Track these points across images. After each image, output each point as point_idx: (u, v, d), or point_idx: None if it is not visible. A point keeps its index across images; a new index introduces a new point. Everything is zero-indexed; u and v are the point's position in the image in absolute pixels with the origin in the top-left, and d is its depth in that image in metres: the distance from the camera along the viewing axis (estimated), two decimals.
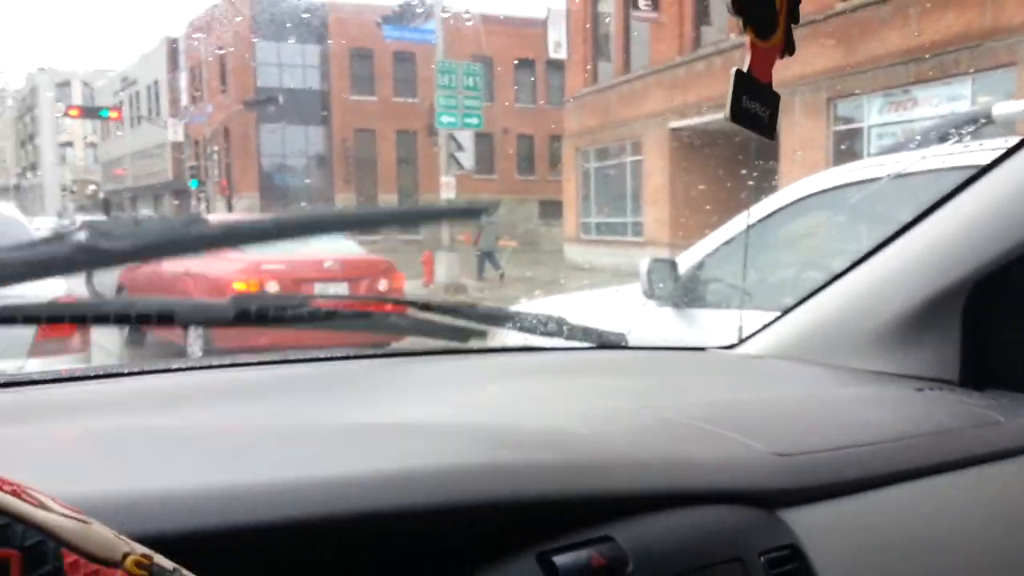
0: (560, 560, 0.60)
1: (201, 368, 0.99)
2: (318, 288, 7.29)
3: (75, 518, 0.35)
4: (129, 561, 0.35)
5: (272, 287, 7.06)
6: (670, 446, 0.80)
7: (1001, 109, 2.83)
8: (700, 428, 0.86)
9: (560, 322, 1.32)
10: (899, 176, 2.61)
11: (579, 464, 0.70)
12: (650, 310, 3.10)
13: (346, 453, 0.66)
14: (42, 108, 49.90)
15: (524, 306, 3.58)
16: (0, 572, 0.32)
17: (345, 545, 0.54)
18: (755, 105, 0.96)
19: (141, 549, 0.36)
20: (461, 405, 0.95)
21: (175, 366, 0.97)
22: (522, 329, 1.27)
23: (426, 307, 1.20)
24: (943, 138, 2.74)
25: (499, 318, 1.39)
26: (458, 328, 1.20)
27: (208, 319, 0.98)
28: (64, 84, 48.43)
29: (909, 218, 1.26)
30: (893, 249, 1.27)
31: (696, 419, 0.88)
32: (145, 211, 36.13)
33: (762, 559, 0.70)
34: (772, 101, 0.99)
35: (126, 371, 0.91)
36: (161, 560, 0.36)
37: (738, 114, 0.93)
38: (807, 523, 0.76)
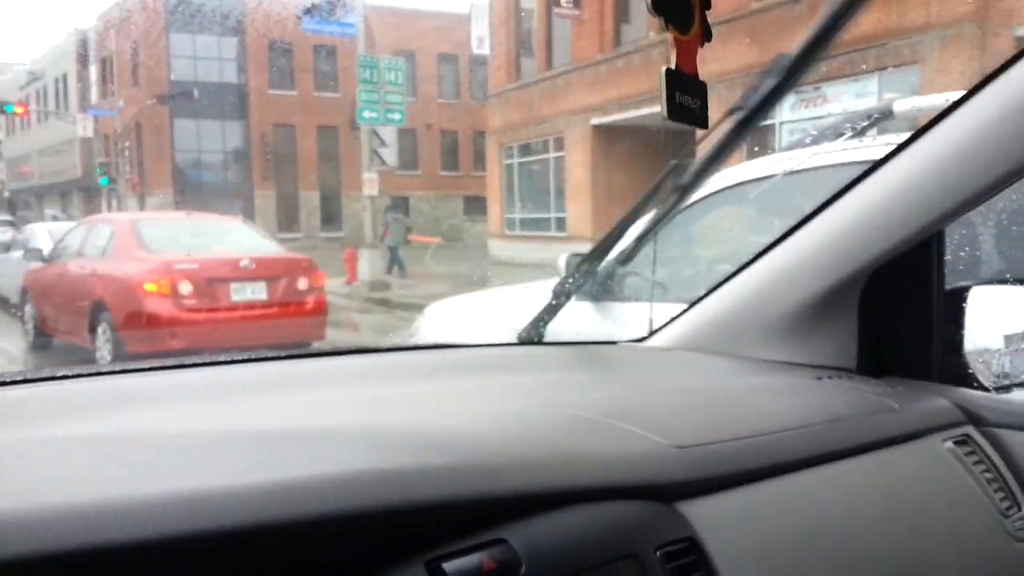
0: (450, 566, 0.58)
1: (105, 374, 0.94)
2: (234, 288, 7.09)
3: None
4: None
5: (185, 287, 6.83)
6: (570, 442, 0.79)
7: (902, 105, 2.93)
8: (603, 423, 0.85)
9: None
10: (801, 171, 2.68)
11: (471, 466, 0.68)
12: (569, 304, 3.11)
13: (226, 464, 0.63)
14: None
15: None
16: None
17: (224, 560, 0.51)
18: (687, 99, 0.98)
19: None
20: (365, 406, 0.93)
21: (76, 372, 0.92)
22: None
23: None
24: (845, 133, 2.82)
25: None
26: None
27: None
28: None
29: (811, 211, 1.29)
30: (793, 241, 1.29)
31: (601, 414, 0.87)
32: (51, 210, 34.66)
33: (658, 553, 0.69)
34: (701, 92, 1.01)
35: (34, 377, 0.87)
36: None
37: (674, 111, 0.95)
38: (705, 514, 0.76)
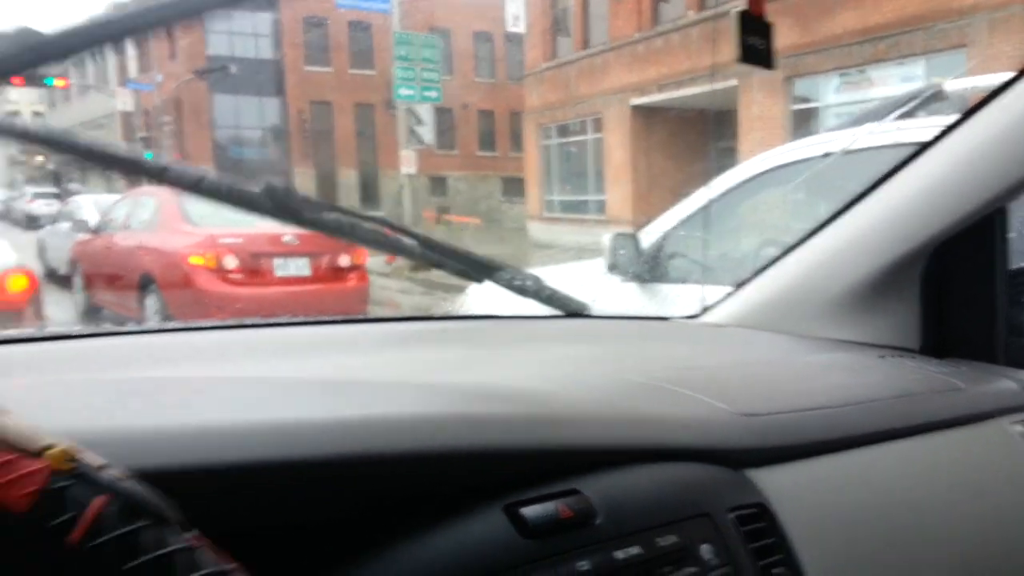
0: (527, 512, 0.60)
1: (189, 330, 0.96)
2: (277, 263, 7.18)
3: None
4: (54, 452, 0.34)
5: (230, 261, 6.94)
6: (635, 404, 0.80)
7: (953, 85, 2.89)
8: (665, 389, 0.86)
9: (536, 280, 1.31)
10: (854, 151, 2.65)
11: (545, 417, 0.70)
12: (613, 284, 3.12)
13: (321, 400, 0.66)
14: None
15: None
16: None
17: (306, 489, 0.53)
18: (756, 40, 0.99)
19: (67, 443, 0.35)
20: (429, 364, 0.95)
21: (160, 327, 0.97)
22: (502, 281, 1.24)
23: (428, 242, 1.16)
24: (893, 114, 2.79)
25: (487, 267, 1.36)
26: (455, 266, 1.18)
27: (239, 200, 0.95)
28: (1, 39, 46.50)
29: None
30: (851, 217, 1.28)
31: (661, 381, 0.88)
32: (95, 182, 35.17)
33: (731, 515, 0.70)
34: (769, 33, 1.02)
35: (129, 331, 0.91)
36: (90, 456, 0.35)
37: (745, 53, 0.96)
38: (774, 483, 0.76)
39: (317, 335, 1.06)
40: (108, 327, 0.91)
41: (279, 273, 7.16)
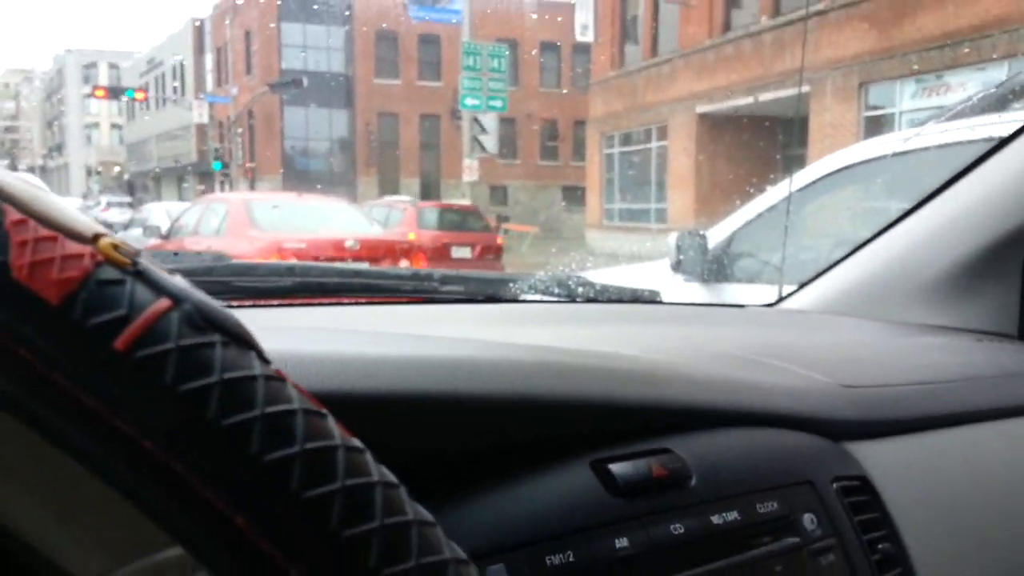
0: (617, 469, 0.55)
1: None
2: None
3: (30, 184, 0.27)
4: (108, 241, 0.26)
5: None
6: (732, 371, 0.75)
7: None
8: (761, 361, 0.81)
9: (595, 284, 1.29)
10: (942, 147, 2.52)
11: (638, 373, 0.65)
12: (677, 284, 3.04)
13: (399, 343, 0.62)
14: (68, 89, 50.37)
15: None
16: None
17: (395, 426, 0.50)
18: None
19: (118, 238, 0.27)
20: (515, 336, 0.91)
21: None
22: (559, 294, 1.24)
23: (463, 279, 1.17)
24: (986, 108, 2.64)
25: (535, 286, 1.35)
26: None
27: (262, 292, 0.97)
28: (91, 65, 48.81)
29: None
30: (944, 200, 1.21)
31: (754, 353, 0.83)
32: (167, 192, 36.43)
33: (835, 486, 0.65)
34: None
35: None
36: (146, 258, 0.28)
37: None
38: (874, 458, 0.72)
39: (394, 312, 1.04)
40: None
41: None
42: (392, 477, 0.29)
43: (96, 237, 0.26)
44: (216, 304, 0.28)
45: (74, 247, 0.25)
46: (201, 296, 0.27)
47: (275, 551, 0.25)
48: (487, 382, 0.53)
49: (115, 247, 0.26)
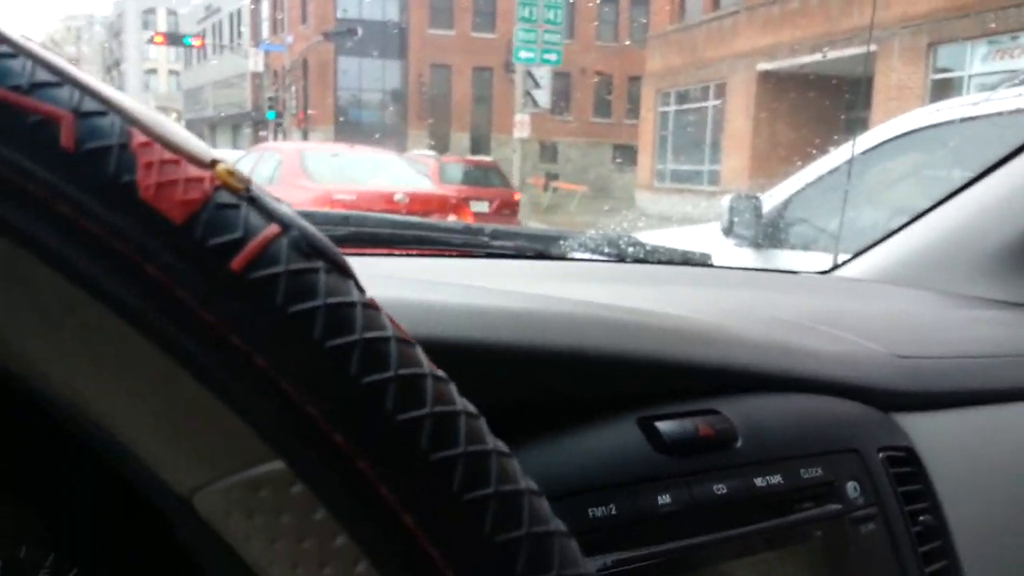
0: (663, 426, 0.56)
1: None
2: None
3: (153, 111, 0.28)
4: (225, 167, 0.28)
5: None
6: (783, 336, 0.75)
7: None
8: (811, 327, 0.80)
9: (645, 244, 1.28)
10: (1012, 113, 2.42)
11: (689, 332, 0.65)
12: (728, 248, 3.00)
13: (450, 292, 0.63)
14: (128, 34, 51.05)
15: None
16: (48, 138, 0.25)
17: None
18: None
19: (232, 165, 0.29)
20: (564, 292, 0.92)
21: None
22: (608, 253, 1.23)
23: (513, 235, 1.17)
24: None
25: (585, 244, 1.34)
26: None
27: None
28: (150, 11, 49.32)
29: None
30: (1010, 169, 1.18)
31: (805, 319, 0.82)
32: (222, 139, 36.89)
33: (881, 455, 0.65)
34: None
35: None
36: (256, 186, 0.29)
37: None
38: (923, 430, 0.71)
39: (437, 264, 1.05)
40: None
41: None
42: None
43: (213, 163, 0.28)
44: (319, 232, 0.29)
45: (195, 171, 0.27)
46: (306, 224, 0.29)
47: (370, 468, 0.27)
48: (538, 334, 0.54)
49: (230, 173, 0.28)
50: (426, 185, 8.79)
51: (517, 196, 13.11)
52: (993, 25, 11.21)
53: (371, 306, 0.29)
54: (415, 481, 0.27)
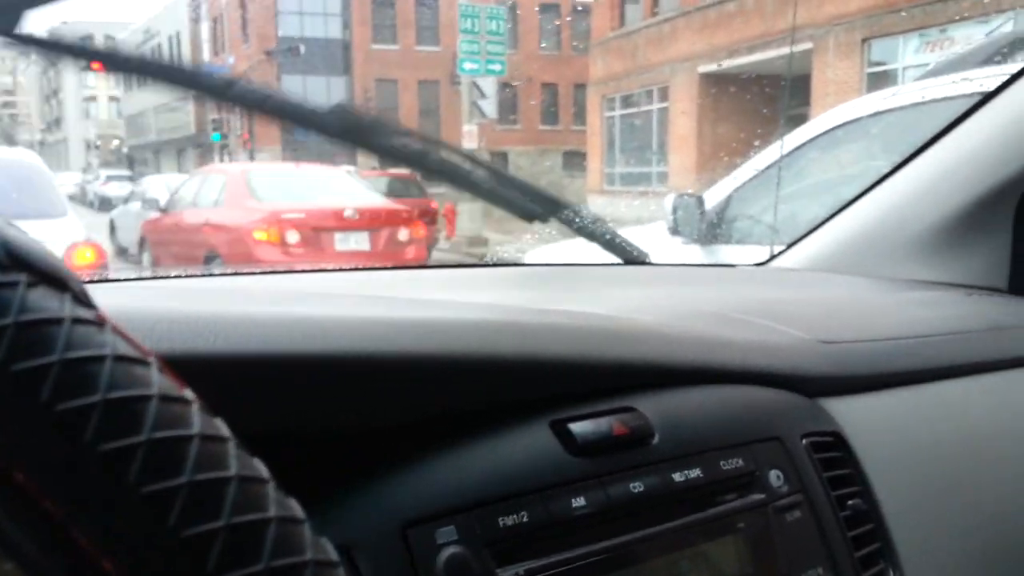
0: (576, 428, 0.54)
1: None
2: (338, 237, 7.29)
3: None
4: None
5: (292, 236, 7.05)
6: (705, 327, 0.74)
7: None
8: (739, 318, 0.80)
9: (601, 222, 1.26)
10: (940, 100, 2.48)
11: (600, 329, 0.64)
12: (675, 247, 3.02)
13: (358, 306, 0.61)
14: (65, 62, 49.83)
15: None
16: None
17: (343, 390, 0.48)
18: None
19: None
20: (492, 300, 0.90)
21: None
22: (567, 219, 1.20)
23: (498, 174, 1.13)
24: (986, 61, 2.60)
25: (554, 203, 1.32)
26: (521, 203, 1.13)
27: (305, 120, 0.95)
28: (87, 37, 48.24)
29: None
30: (936, 152, 1.19)
31: (731, 311, 0.82)
32: (167, 165, 36.29)
33: (804, 441, 0.64)
34: None
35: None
36: None
37: None
38: (850, 413, 0.71)
39: (382, 277, 1.04)
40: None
41: (339, 247, 7.32)
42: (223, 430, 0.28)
43: None
44: (31, 242, 0.26)
45: None
46: (13, 233, 0.25)
47: (57, 509, 0.25)
48: (439, 343, 0.52)
49: None
50: (376, 200, 8.72)
51: (434, 205, 13.53)
52: (919, 20, 11.54)
53: (95, 322, 0.26)
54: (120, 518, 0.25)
